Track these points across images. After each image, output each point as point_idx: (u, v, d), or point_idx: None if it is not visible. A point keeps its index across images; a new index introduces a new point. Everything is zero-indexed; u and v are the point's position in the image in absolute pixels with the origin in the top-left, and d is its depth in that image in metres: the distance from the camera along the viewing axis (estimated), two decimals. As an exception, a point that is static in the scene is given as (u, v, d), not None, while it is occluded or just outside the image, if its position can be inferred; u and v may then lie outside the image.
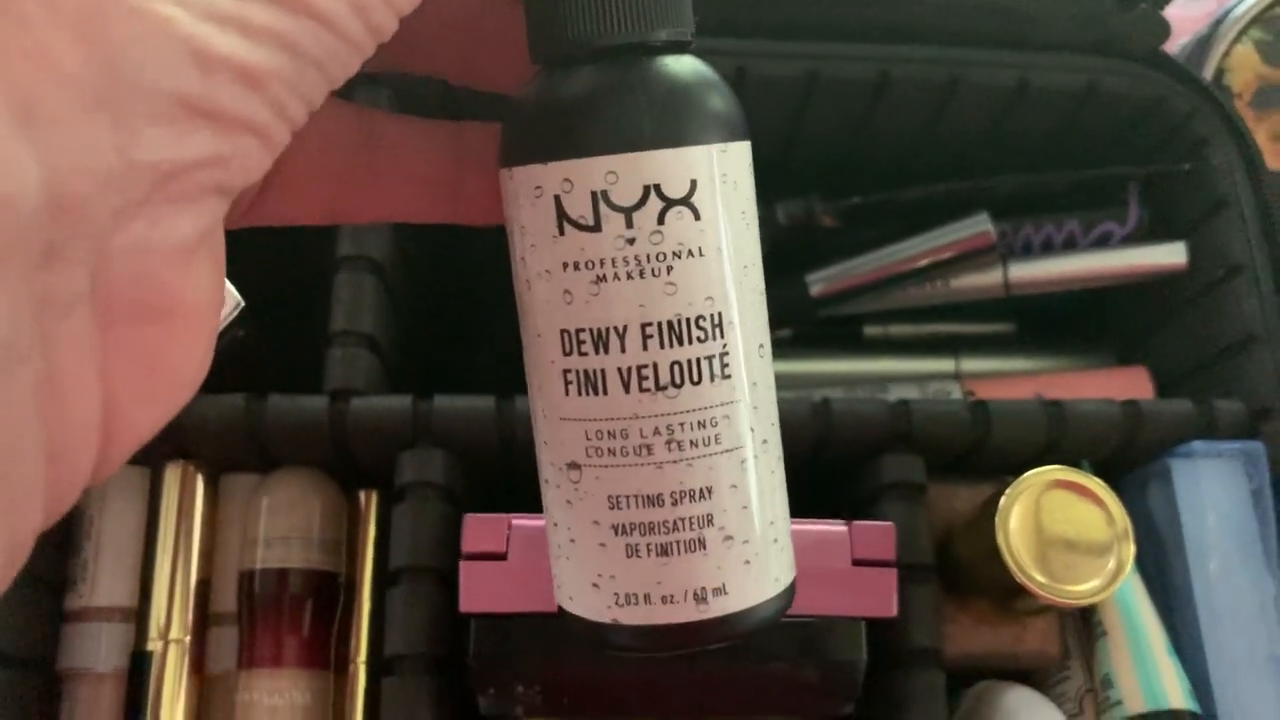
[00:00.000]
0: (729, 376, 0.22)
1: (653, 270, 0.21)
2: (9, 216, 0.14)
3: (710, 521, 0.22)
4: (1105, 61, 0.48)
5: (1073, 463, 0.43)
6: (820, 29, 0.46)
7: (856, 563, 0.39)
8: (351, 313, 0.43)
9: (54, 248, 0.15)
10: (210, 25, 0.16)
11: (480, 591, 0.38)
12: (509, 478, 0.43)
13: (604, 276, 0.21)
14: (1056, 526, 0.38)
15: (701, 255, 0.21)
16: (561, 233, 0.21)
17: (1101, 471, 0.43)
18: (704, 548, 0.22)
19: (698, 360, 0.22)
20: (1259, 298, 0.46)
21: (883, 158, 0.51)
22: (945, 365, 0.52)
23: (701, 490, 0.22)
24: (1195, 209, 0.49)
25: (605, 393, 0.22)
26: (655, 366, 0.21)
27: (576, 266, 0.21)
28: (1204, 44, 0.54)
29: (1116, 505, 0.38)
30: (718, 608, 0.22)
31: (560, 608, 0.24)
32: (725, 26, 0.45)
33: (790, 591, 0.24)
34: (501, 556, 0.38)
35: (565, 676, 0.38)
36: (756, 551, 0.23)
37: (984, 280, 0.50)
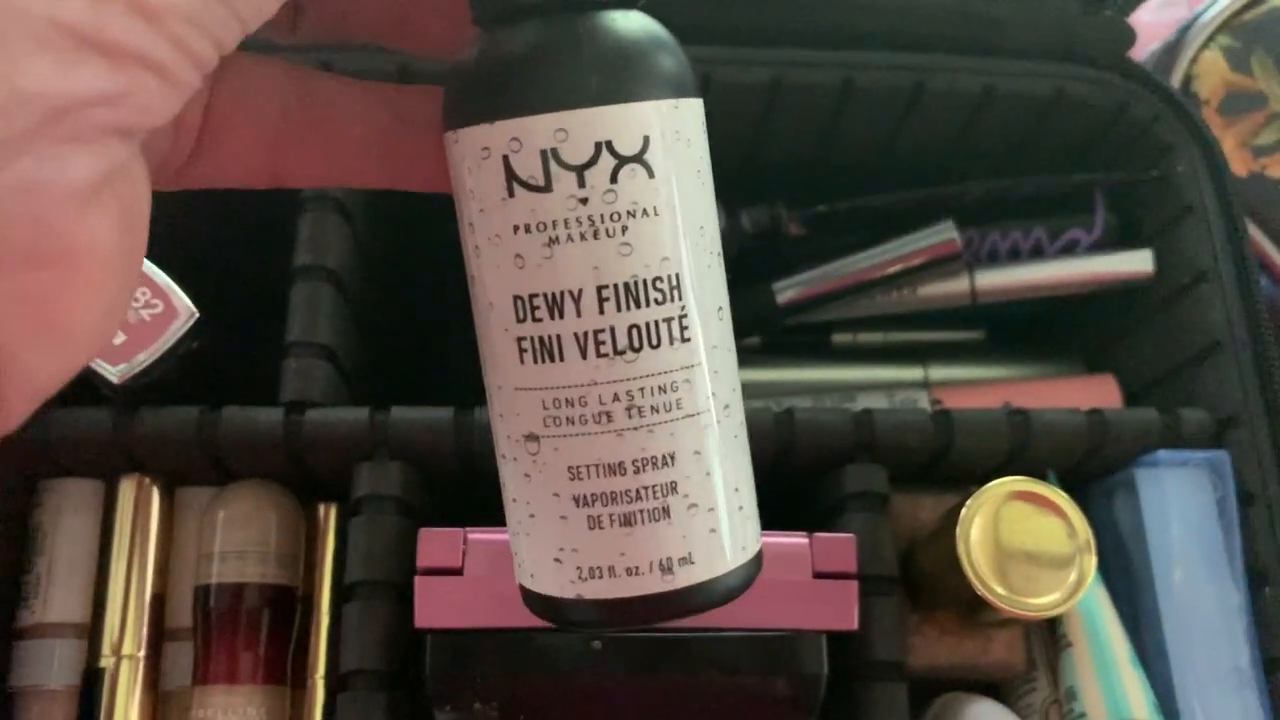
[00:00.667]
0: (688, 340, 0.21)
1: (607, 230, 0.21)
2: None
3: (674, 489, 0.22)
4: (1071, 68, 0.47)
5: (1038, 472, 0.43)
6: (785, 34, 0.46)
7: (818, 575, 0.38)
8: (308, 323, 0.42)
9: None
10: None
11: (436, 606, 0.37)
12: (468, 490, 0.42)
13: (556, 238, 0.21)
14: (1016, 539, 0.37)
15: (656, 215, 0.21)
16: (511, 194, 0.21)
17: (1067, 481, 0.43)
18: (668, 516, 0.22)
19: (655, 323, 0.21)
20: (1224, 305, 0.46)
21: (848, 165, 0.51)
22: (914, 374, 0.52)
23: (664, 457, 0.21)
24: (1161, 215, 0.49)
25: (562, 359, 0.21)
26: (612, 330, 0.21)
27: (528, 229, 0.21)
28: (1172, 50, 0.54)
29: (1078, 517, 0.38)
30: (684, 578, 0.22)
31: (521, 586, 0.24)
32: (689, 32, 0.45)
33: (758, 561, 0.23)
34: (458, 571, 0.37)
35: (523, 692, 0.38)
36: (721, 519, 0.22)
37: (951, 288, 0.50)
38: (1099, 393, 0.50)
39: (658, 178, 0.21)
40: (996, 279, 0.50)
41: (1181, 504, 0.43)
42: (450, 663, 0.37)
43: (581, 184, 0.20)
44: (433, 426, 0.41)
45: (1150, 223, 0.50)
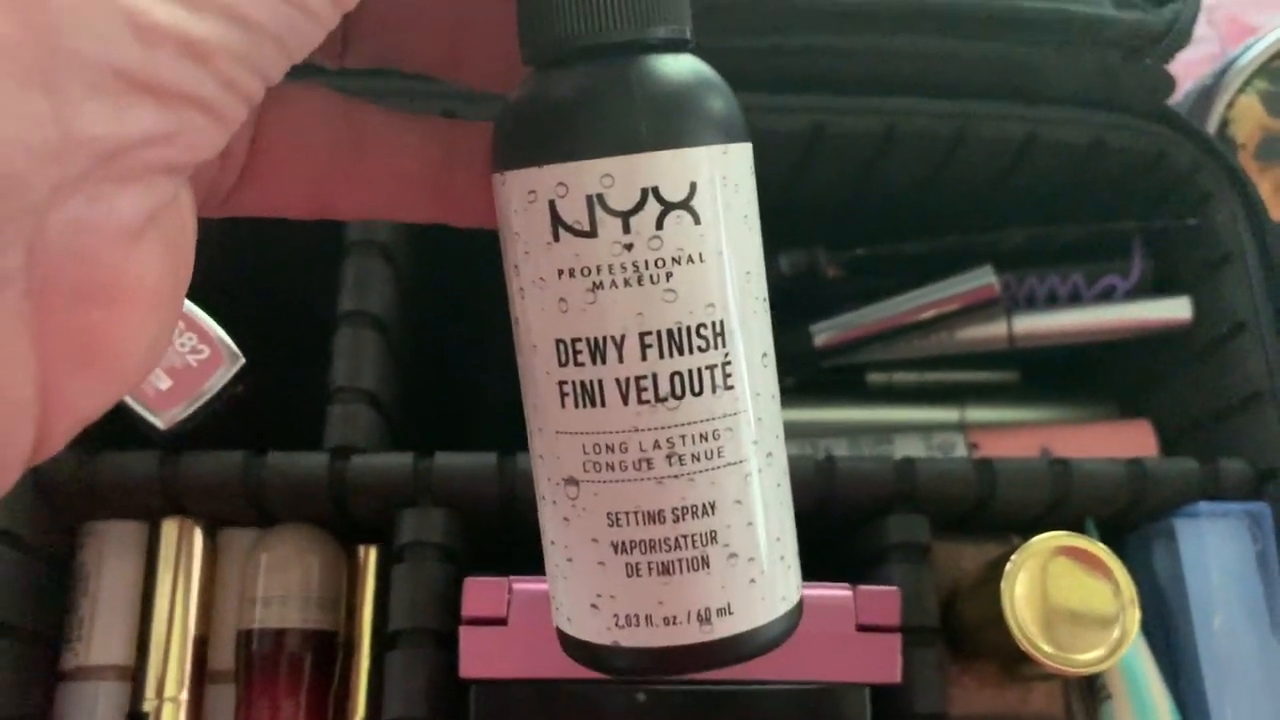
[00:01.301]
0: (731, 387, 0.21)
1: (651, 277, 0.20)
2: None
3: (714, 539, 0.21)
4: (1111, 116, 0.47)
5: (1077, 522, 0.43)
6: (827, 81, 0.46)
7: (861, 628, 0.38)
8: (352, 369, 0.42)
9: None
10: None
11: (481, 657, 0.37)
12: (511, 535, 0.42)
13: (601, 284, 0.20)
14: (1062, 596, 0.37)
15: (702, 261, 0.21)
16: (556, 239, 0.21)
17: (1106, 530, 0.43)
18: (707, 566, 0.21)
19: (699, 370, 0.21)
20: (1264, 355, 0.46)
21: (887, 209, 0.51)
22: (950, 415, 0.52)
23: (704, 506, 0.21)
24: (1199, 263, 0.49)
25: (603, 405, 0.21)
26: (655, 377, 0.21)
27: (572, 274, 0.21)
28: (1208, 94, 0.54)
29: (1123, 574, 0.38)
30: (723, 629, 0.22)
31: (558, 630, 0.23)
32: (730, 79, 0.45)
33: (798, 611, 0.23)
34: (502, 621, 0.37)
35: (566, 743, 0.38)
36: (762, 569, 0.22)
37: (988, 332, 0.50)
38: (1135, 438, 0.50)
39: (704, 223, 0.21)
40: (1034, 324, 0.50)
41: (1221, 555, 0.43)
42: (494, 713, 0.37)
43: (627, 230, 0.20)
44: (477, 473, 0.41)
45: (1188, 269, 0.50)
